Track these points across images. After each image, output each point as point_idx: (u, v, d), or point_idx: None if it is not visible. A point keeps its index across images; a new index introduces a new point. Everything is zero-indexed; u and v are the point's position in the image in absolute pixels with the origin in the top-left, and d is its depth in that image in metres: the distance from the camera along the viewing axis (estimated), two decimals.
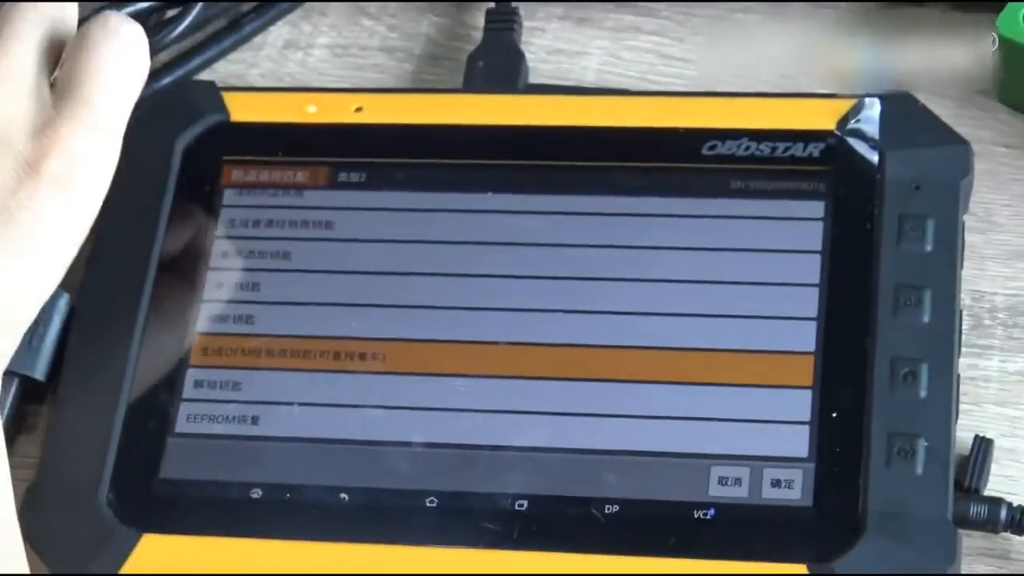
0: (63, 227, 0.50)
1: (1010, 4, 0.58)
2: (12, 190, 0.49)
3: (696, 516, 0.49)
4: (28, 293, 0.50)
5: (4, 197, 0.49)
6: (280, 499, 0.52)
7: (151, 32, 0.60)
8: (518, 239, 0.57)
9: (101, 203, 0.51)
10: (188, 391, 0.54)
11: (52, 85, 0.53)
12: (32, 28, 0.53)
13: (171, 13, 0.64)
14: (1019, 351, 0.55)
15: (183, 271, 0.57)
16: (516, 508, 0.50)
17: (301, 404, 0.54)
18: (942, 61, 0.63)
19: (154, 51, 0.58)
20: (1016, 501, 0.49)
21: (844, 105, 0.56)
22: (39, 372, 0.54)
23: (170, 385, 0.54)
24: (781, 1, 0.65)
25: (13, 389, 0.54)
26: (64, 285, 0.51)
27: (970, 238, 0.55)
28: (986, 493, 0.50)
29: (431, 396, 0.54)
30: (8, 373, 0.51)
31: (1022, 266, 0.57)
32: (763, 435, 0.51)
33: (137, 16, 0.59)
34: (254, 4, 0.66)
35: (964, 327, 0.53)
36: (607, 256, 0.56)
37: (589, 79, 0.64)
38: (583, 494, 0.50)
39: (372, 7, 0.68)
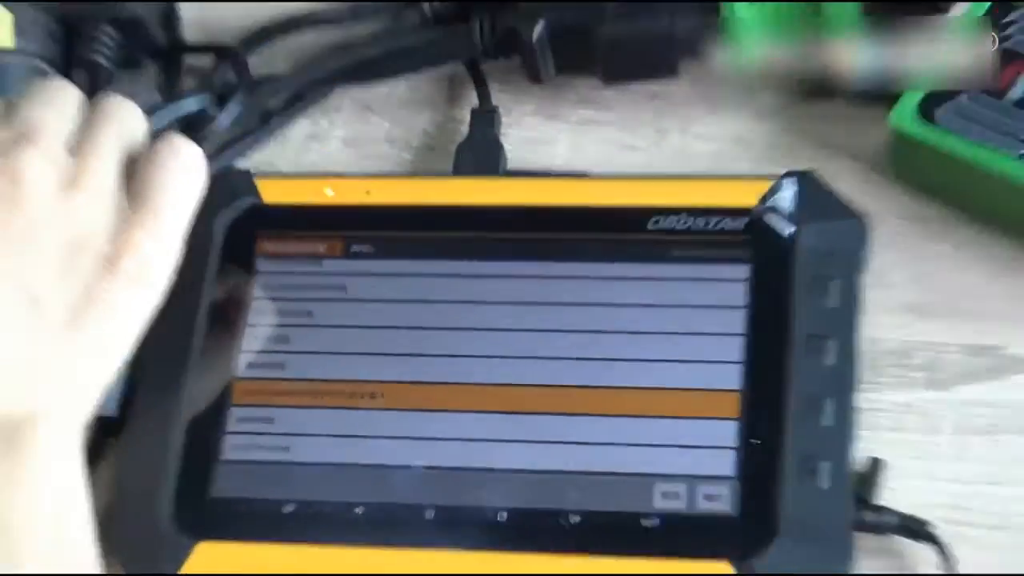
0: (133, 314, 0.55)
1: (901, 101, 0.63)
2: (94, 283, 0.54)
3: (644, 524, 0.55)
4: (104, 363, 0.55)
5: (88, 287, 0.54)
6: (307, 512, 0.57)
7: (199, 125, 0.67)
8: (497, 298, 0.62)
9: (164, 292, 0.55)
10: (231, 426, 0.59)
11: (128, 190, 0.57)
12: (113, 147, 0.57)
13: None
14: (906, 386, 0.60)
15: (225, 326, 0.62)
16: (498, 519, 0.56)
17: (323, 435, 0.59)
18: (848, 145, 0.67)
19: (200, 142, 0.61)
20: (903, 510, 0.55)
21: (764, 185, 0.60)
22: (111, 411, 0.59)
23: (217, 421, 0.59)
24: (715, 96, 0.69)
25: (92, 427, 0.55)
26: None
27: (868, 294, 0.59)
28: (879, 503, 0.56)
29: (427, 428, 0.59)
30: None
31: (910, 317, 0.62)
32: (698, 458, 0.56)
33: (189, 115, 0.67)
34: (281, 102, 0.70)
35: (862, 367, 0.58)
36: (571, 312, 0.61)
37: (558, 163, 0.68)
38: (552, 507, 0.56)
39: (377, 105, 0.72)
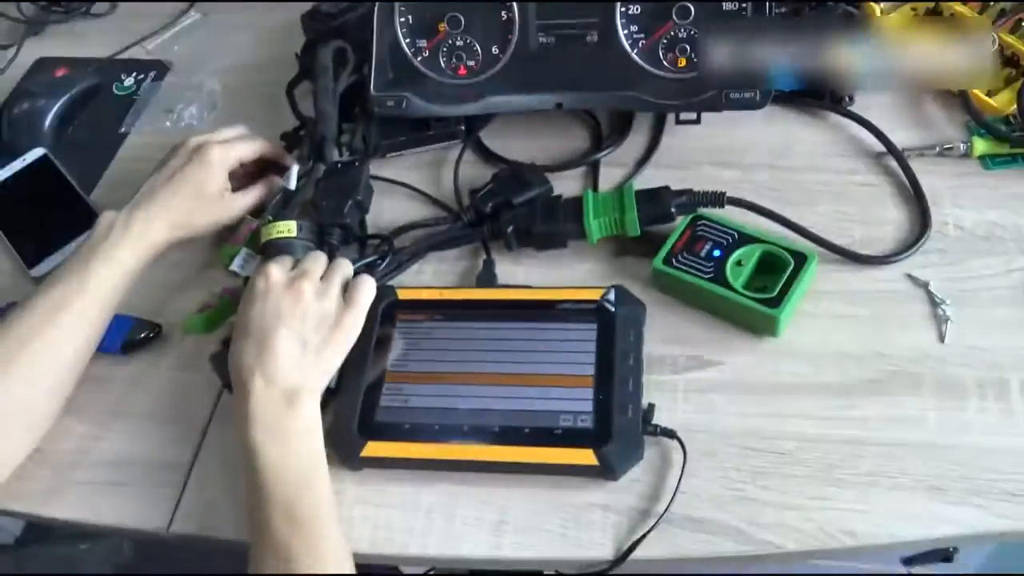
0: (343, 347, 0.58)
1: (658, 253, 0.62)
2: (328, 334, 0.57)
3: (554, 432, 0.55)
4: (332, 366, 0.57)
5: (325, 336, 0.57)
6: (419, 428, 0.57)
7: (374, 266, 0.66)
8: (493, 336, 0.61)
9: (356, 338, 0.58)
10: (384, 390, 0.59)
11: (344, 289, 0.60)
12: (339, 279, 0.60)
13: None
14: (664, 373, 0.59)
15: (383, 348, 0.61)
16: (495, 430, 0.56)
17: (422, 396, 0.58)
18: (637, 274, 0.65)
19: (375, 274, 0.64)
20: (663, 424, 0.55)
21: (602, 290, 0.60)
22: (333, 385, 0.58)
23: (379, 388, 0.59)
24: (585, 254, 0.66)
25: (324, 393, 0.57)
26: None
27: (646, 335, 0.59)
28: (653, 424, 0.55)
29: (464, 391, 0.58)
30: None
31: (663, 343, 0.61)
32: (577, 404, 0.56)
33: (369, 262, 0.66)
34: (409, 256, 0.67)
35: (644, 364, 0.57)
36: (524, 341, 0.60)
37: (518, 280, 0.66)
38: (517, 425, 0.56)
39: (437, 258, 0.69)
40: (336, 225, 0.67)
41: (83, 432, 0.62)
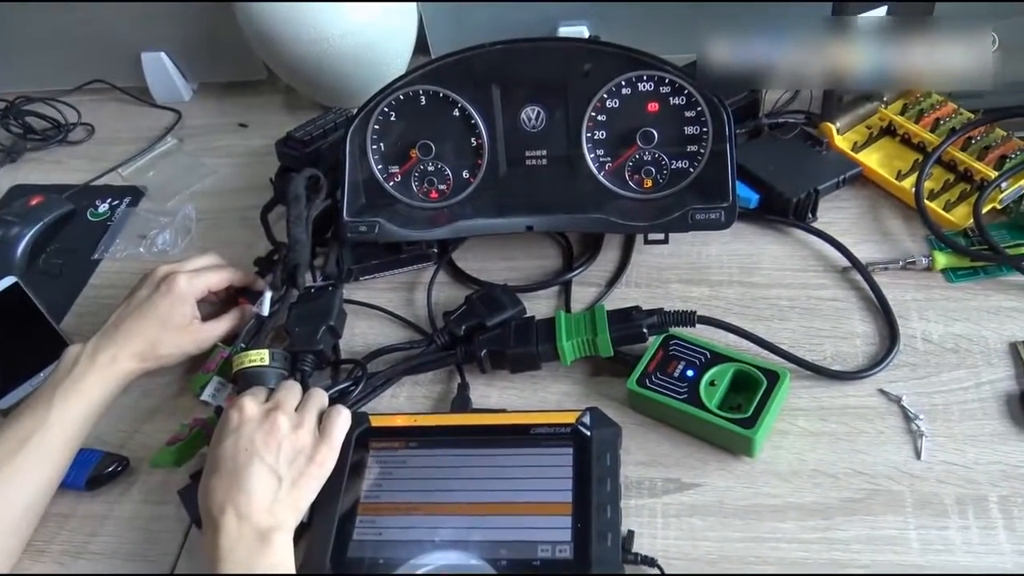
0: (318, 480, 0.57)
1: (631, 374, 0.63)
2: (304, 467, 0.56)
3: (533, 564, 0.54)
4: (307, 500, 0.55)
5: (300, 470, 0.56)
6: (394, 564, 0.54)
7: (348, 395, 0.65)
8: (467, 463, 0.60)
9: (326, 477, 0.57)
10: (358, 525, 0.57)
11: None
12: (315, 409, 0.60)
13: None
14: (642, 497, 0.59)
15: (356, 479, 0.59)
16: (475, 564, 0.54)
17: (397, 528, 0.57)
18: (611, 394, 0.65)
19: (347, 402, 0.64)
20: (643, 552, 0.55)
21: (577, 413, 0.60)
22: (305, 517, 0.56)
23: (352, 520, 0.57)
24: (558, 375, 0.67)
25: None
26: None
27: (623, 458, 0.59)
28: (633, 551, 0.55)
29: (435, 522, 0.57)
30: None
31: (640, 467, 0.61)
32: (555, 533, 0.55)
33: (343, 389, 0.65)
34: (383, 381, 0.67)
35: (621, 490, 0.57)
36: (500, 468, 0.59)
37: (491, 404, 0.66)
38: (495, 557, 0.54)
39: (416, 381, 0.69)
40: (309, 352, 0.68)
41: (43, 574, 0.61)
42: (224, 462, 0.55)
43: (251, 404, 0.58)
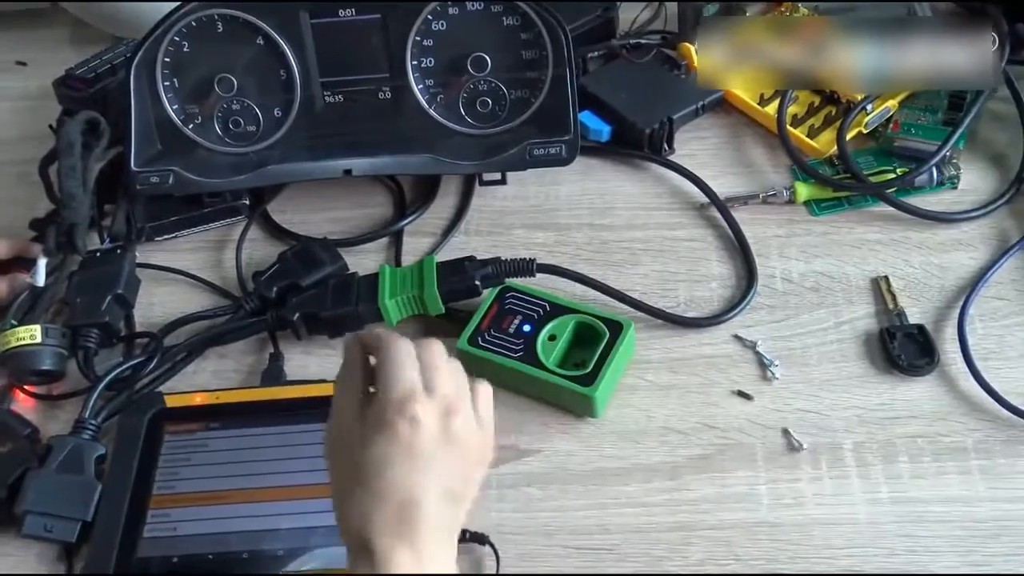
0: (480, 477, 0.50)
1: (463, 333, 0.63)
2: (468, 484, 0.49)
3: None
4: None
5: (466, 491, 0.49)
6: (189, 561, 0.55)
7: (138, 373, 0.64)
8: (275, 443, 0.59)
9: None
10: (149, 520, 0.56)
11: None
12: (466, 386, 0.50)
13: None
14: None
15: (147, 468, 0.58)
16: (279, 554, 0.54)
17: (193, 521, 0.56)
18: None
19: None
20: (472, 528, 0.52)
21: None
22: (88, 515, 0.56)
23: (141, 517, 0.56)
24: None
25: None
26: None
27: None
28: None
29: (235, 511, 0.56)
30: None
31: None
32: None
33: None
34: (183, 355, 0.65)
35: None
36: (306, 444, 0.58)
37: (310, 374, 0.64)
38: (302, 545, 0.54)
39: (225, 352, 0.67)
40: (92, 325, 0.66)
41: None
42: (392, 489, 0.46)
43: (427, 409, 0.47)
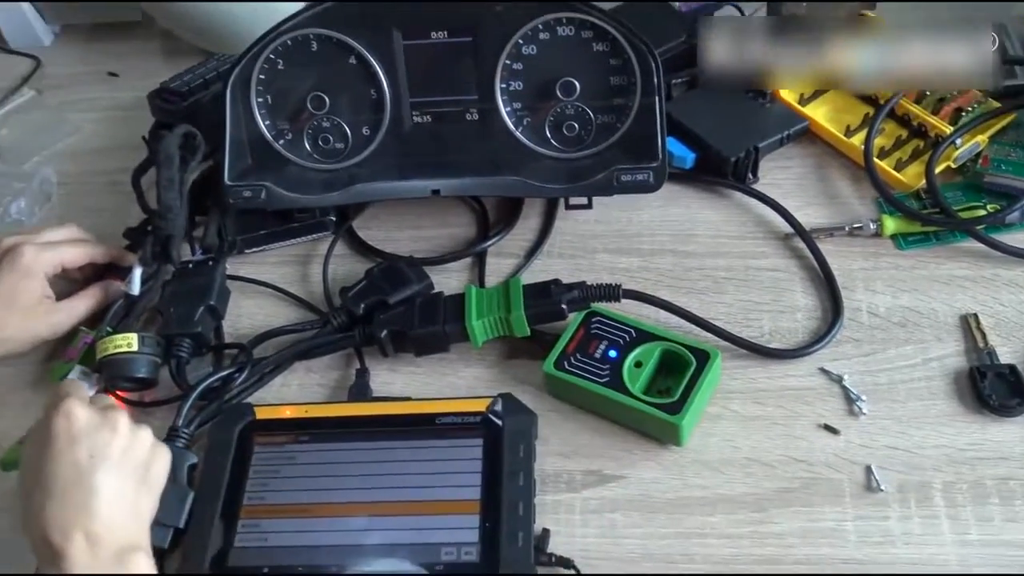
0: (152, 514, 0.55)
1: (548, 357, 0.63)
2: (142, 497, 0.54)
3: (435, 568, 0.55)
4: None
5: (140, 497, 0.54)
6: (287, 570, 0.55)
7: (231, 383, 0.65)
8: (367, 459, 0.60)
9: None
10: (240, 530, 0.58)
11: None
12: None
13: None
14: (559, 492, 0.60)
15: (238, 478, 0.60)
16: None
17: (282, 532, 0.57)
18: (528, 379, 0.65)
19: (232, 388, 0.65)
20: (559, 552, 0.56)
21: (488, 400, 0.61)
22: (181, 522, 0.57)
23: (232, 526, 0.58)
24: (470, 359, 0.67)
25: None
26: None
27: (539, 449, 0.60)
28: (547, 551, 0.56)
29: (325, 524, 0.57)
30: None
31: (560, 458, 0.61)
32: (461, 535, 0.56)
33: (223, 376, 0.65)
34: (272, 367, 0.66)
35: (548, 486, 0.59)
36: (406, 462, 0.59)
37: (394, 391, 0.66)
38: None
39: (313, 367, 0.68)
40: (185, 335, 0.68)
41: None
42: (57, 479, 0.50)
43: (80, 407, 0.53)
